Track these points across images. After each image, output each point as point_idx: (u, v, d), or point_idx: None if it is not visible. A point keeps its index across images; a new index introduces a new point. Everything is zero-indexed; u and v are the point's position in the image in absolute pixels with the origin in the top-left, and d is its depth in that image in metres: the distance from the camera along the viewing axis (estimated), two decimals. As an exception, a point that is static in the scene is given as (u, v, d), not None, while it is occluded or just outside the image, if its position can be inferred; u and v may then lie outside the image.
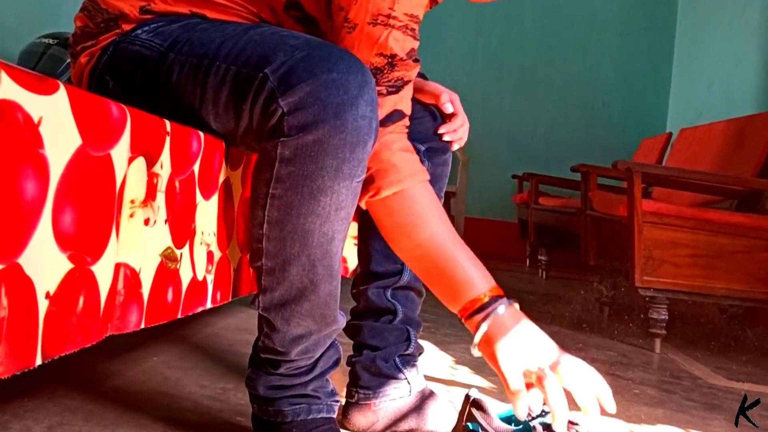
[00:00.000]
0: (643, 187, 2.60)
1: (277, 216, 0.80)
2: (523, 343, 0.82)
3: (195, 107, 0.88)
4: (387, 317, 1.11)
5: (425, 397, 1.11)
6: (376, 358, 1.09)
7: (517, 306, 0.85)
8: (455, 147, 1.13)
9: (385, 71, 0.88)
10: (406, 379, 1.10)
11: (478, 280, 0.85)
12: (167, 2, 0.94)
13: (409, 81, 0.91)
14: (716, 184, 2.57)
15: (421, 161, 1.04)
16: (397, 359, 1.11)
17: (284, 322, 0.86)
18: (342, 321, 0.94)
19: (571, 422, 0.94)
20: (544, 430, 0.88)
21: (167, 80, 0.89)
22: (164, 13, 0.94)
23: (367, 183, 0.87)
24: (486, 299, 0.84)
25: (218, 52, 0.84)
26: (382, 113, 0.88)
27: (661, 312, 2.03)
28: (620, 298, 2.70)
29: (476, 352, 0.84)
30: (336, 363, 0.97)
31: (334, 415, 0.97)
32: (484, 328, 0.82)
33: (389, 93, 0.89)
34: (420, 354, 1.15)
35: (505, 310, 0.82)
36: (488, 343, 0.82)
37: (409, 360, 1.12)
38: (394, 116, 0.90)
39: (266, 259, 0.83)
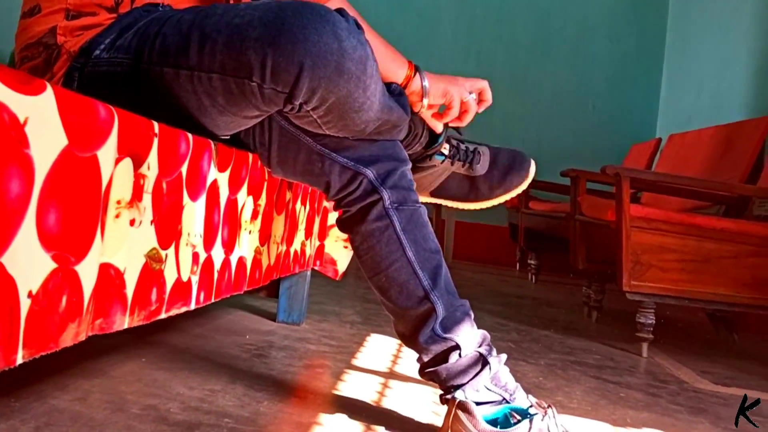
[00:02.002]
0: (632, 192, 2.62)
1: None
2: (444, 80, 1.19)
3: (187, 113, 0.90)
4: (453, 354, 1.07)
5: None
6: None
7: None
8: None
9: None
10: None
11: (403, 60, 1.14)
12: None
13: None
14: (704, 190, 2.59)
15: (375, 189, 1.10)
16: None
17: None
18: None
19: (539, 404, 0.97)
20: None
21: (150, 91, 0.90)
22: (86, 12, 0.94)
23: None
24: (411, 73, 1.15)
25: (189, 60, 0.86)
26: None
27: (649, 316, 2.04)
28: (608, 303, 2.72)
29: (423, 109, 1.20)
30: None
31: None
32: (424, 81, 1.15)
33: None
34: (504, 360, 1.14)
35: (425, 75, 1.16)
36: (435, 87, 1.18)
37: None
38: None
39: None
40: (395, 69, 1.13)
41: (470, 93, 1.23)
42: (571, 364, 1.79)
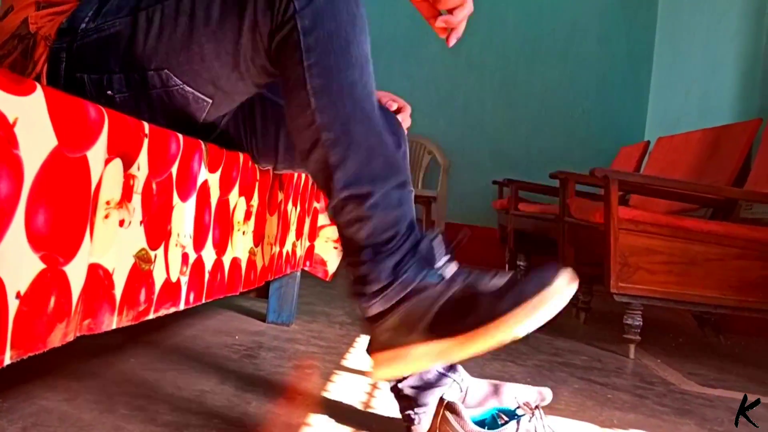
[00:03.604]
0: (621, 194, 2.64)
1: (320, 82, 0.85)
2: None
3: (187, 43, 0.90)
4: None
5: (495, 387, 1.12)
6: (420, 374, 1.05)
7: None
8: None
9: None
10: (452, 378, 1.08)
11: None
12: None
13: None
14: (691, 193, 2.61)
15: None
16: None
17: (371, 184, 0.87)
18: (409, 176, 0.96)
19: (527, 405, 0.97)
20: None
21: (148, 32, 0.91)
22: (55, 2, 0.95)
23: None
24: None
25: None
26: None
27: (636, 318, 2.06)
28: (596, 304, 2.73)
29: None
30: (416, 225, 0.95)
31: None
32: None
33: None
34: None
35: None
36: None
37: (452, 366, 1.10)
38: None
39: (326, 132, 0.86)
40: None
41: None
42: (559, 366, 1.80)
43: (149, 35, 0.91)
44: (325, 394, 1.27)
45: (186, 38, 0.90)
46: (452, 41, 1.07)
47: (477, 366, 1.65)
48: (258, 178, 1.18)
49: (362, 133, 0.86)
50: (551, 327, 2.40)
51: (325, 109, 0.86)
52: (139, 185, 0.77)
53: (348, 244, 0.90)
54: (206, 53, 0.91)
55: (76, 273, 0.65)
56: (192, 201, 0.91)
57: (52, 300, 0.62)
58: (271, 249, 1.32)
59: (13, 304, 0.57)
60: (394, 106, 1.22)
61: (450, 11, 1.04)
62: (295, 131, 0.89)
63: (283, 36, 0.87)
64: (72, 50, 0.93)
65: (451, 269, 0.89)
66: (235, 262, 1.12)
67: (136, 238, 0.78)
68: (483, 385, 1.11)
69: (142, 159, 0.77)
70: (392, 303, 0.86)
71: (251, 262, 1.20)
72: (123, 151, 0.73)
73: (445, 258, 0.90)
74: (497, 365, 1.70)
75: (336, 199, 0.87)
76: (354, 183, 0.86)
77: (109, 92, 0.93)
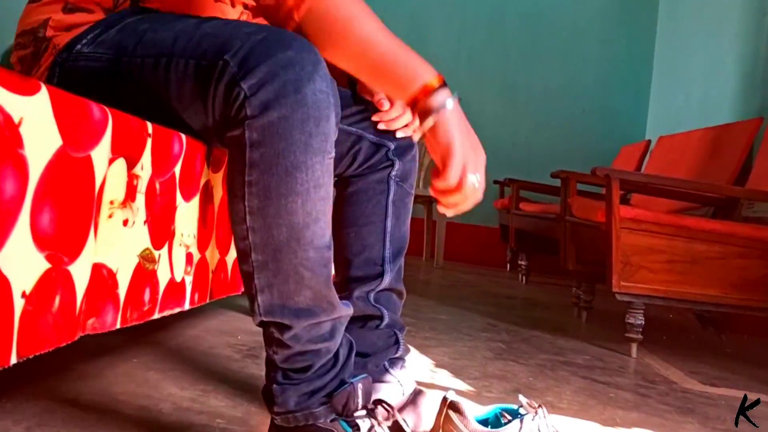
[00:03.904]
0: (622, 193, 2.64)
1: (258, 203, 0.79)
2: (469, 140, 0.89)
3: (161, 106, 0.88)
4: (373, 322, 1.12)
5: (417, 395, 1.12)
6: (367, 365, 1.09)
7: (458, 98, 0.90)
8: (399, 134, 1.14)
9: None
10: (398, 381, 1.11)
11: (422, 70, 0.88)
12: None
13: None
14: (693, 191, 2.61)
15: (390, 159, 1.14)
16: (387, 363, 1.12)
17: (294, 317, 0.83)
18: (350, 308, 0.92)
19: (530, 404, 0.98)
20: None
21: (126, 84, 0.89)
22: (84, 8, 0.94)
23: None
24: (436, 84, 0.87)
25: (174, 48, 0.85)
26: None
27: (638, 317, 2.06)
28: (598, 303, 2.73)
29: (427, 127, 0.88)
30: (352, 348, 0.94)
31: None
32: (439, 108, 0.87)
33: None
34: (407, 354, 1.16)
35: (453, 104, 0.88)
36: (442, 130, 0.87)
37: (398, 362, 1.13)
38: None
39: (255, 253, 0.81)
40: (412, 68, 0.88)
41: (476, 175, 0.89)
42: (561, 365, 1.80)
43: (127, 87, 0.89)
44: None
45: (161, 102, 0.88)
46: (448, 212, 0.94)
47: (479, 365, 1.65)
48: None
49: (292, 264, 0.81)
50: (553, 326, 2.41)
51: (258, 231, 0.81)
52: (142, 185, 0.77)
53: (267, 353, 0.89)
54: (179, 119, 0.89)
55: (80, 272, 0.65)
56: (195, 201, 0.91)
57: (57, 299, 0.62)
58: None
59: (18, 304, 0.57)
60: (385, 105, 1.12)
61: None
62: (233, 232, 0.85)
63: (232, 136, 0.80)
64: (65, 68, 0.92)
65: (366, 426, 0.88)
66: (237, 261, 1.12)
67: (140, 237, 0.78)
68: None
69: (146, 159, 0.77)
70: (293, 427, 0.87)
71: (254, 262, 1.20)
72: (127, 151, 0.73)
73: (362, 412, 0.89)
74: (499, 364, 1.70)
75: (257, 318, 0.85)
76: (276, 312, 0.83)
77: None
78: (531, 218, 3.51)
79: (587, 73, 4.80)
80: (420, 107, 0.87)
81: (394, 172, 1.14)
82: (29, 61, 0.95)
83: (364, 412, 0.89)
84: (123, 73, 0.88)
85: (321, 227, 0.83)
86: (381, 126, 1.13)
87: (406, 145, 1.16)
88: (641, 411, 1.43)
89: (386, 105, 1.11)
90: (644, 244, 2.05)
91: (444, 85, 0.88)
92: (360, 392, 0.89)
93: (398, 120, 1.13)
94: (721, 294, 2.08)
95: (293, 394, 0.86)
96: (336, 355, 0.89)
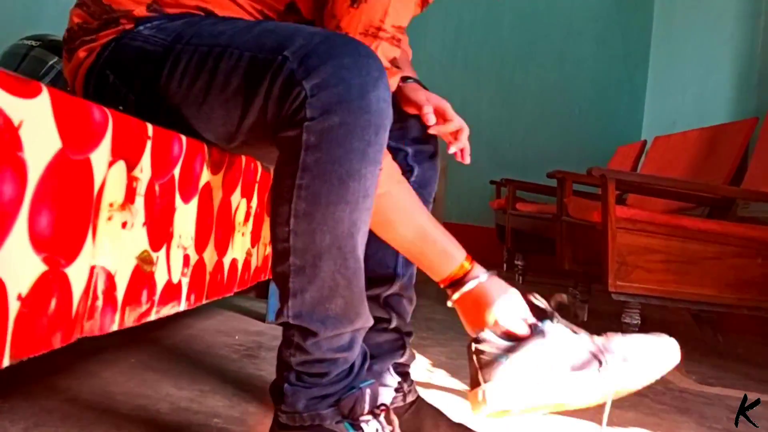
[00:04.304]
0: (618, 193, 2.64)
1: (305, 208, 0.78)
2: (516, 301, 0.97)
3: (199, 100, 0.86)
4: (381, 324, 1.09)
5: (419, 406, 1.11)
6: (372, 366, 1.06)
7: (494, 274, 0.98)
8: (467, 160, 1.15)
9: None
10: (402, 389, 1.09)
11: (457, 252, 0.98)
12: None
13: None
14: (689, 191, 2.61)
15: (410, 165, 1.10)
16: (392, 368, 1.10)
17: (321, 324, 0.82)
18: (371, 320, 0.91)
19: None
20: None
21: (173, 71, 0.87)
22: (169, 14, 0.93)
23: None
24: (468, 267, 0.98)
25: (231, 40, 0.83)
26: None
27: (634, 316, 2.06)
28: (594, 303, 2.74)
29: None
30: (366, 357, 0.94)
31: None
32: (471, 285, 0.96)
33: None
34: (412, 361, 1.14)
35: (488, 277, 0.97)
36: (482, 303, 0.95)
37: (403, 368, 1.12)
38: None
39: (294, 257, 0.80)
40: (443, 251, 0.99)
41: None
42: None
43: (173, 74, 0.87)
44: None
45: (201, 95, 0.86)
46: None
47: (476, 365, 1.65)
48: (258, 179, 1.19)
49: (330, 272, 0.81)
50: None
51: (301, 235, 0.79)
52: (142, 187, 0.77)
53: (280, 353, 0.88)
54: (214, 116, 0.87)
55: (78, 275, 0.65)
56: (194, 203, 0.91)
57: (53, 302, 0.62)
58: (265, 249, 1.33)
59: (14, 306, 0.57)
60: (431, 120, 1.08)
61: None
62: (271, 233, 0.84)
63: (287, 137, 0.78)
64: (120, 44, 0.90)
65: (372, 427, 0.88)
66: (234, 263, 1.12)
67: (138, 239, 0.78)
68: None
69: (145, 161, 0.77)
70: (298, 426, 0.87)
71: (247, 263, 1.20)
72: (127, 154, 0.73)
73: (368, 417, 0.88)
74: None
75: (284, 319, 0.84)
76: (305, 317, 0.83)
77: (120, 107, 0.92)
78: (527, 218, 3.51)
79: (583, 73, 4.81)
80: (454, 288, 0.98)
81: (413, 178, 1.11)
82: (89, 30, 0.93)
83: (370, 417, 0.89)
84: (172, 60, 0.87)
85: (362, 237, 0.83)
86: (452, 149, 1.14)
87: (427, 151, 1.13)
88: (638, 410, 1.44)
89: (432, 119, 1.09)
90: (640, 244, 2.05)
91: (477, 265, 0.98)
92: (367, 397, 0.89)
93: (461, 136, 1.14)
94: (716, 293, 2.09)
95: (304, 396, 0.85)
96: (352, 365, 0.89)
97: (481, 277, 0.97)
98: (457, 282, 0.97)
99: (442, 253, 0.98)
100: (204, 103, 0.86)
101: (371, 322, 0.91)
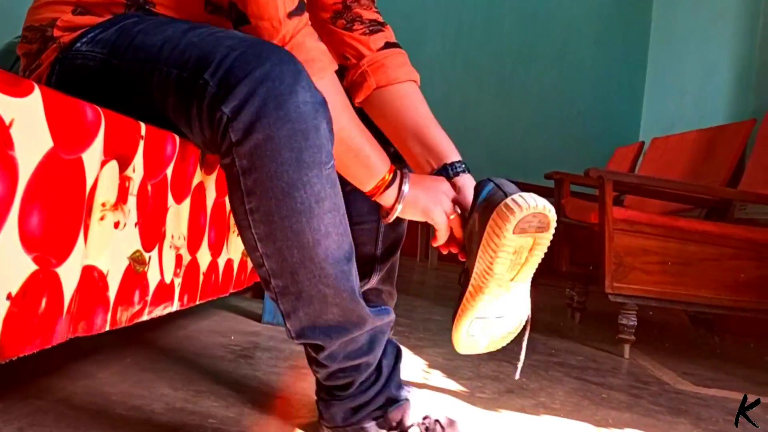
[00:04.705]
0: (616, 195, 2.64)
1: (264, 229, 0.78)
2: (428, 194, 0.97)
3: (151, 113, 0.87)
4: None
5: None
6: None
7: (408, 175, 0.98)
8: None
9: None
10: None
11: (380, 164, 0.94)
12: None
13: None
14: (686, 193, 2.62)
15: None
16: None
17: (325, 337, 0.82)
18: (390, 315, 0.91)
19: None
20: None
21: (115, 88, 0.88)
22: (94, 12, 0.93)
23: None
24: (388, 178, 0.95)
25: (159, 55, 0.84)
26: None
27: (631, 318, 2.06)
28: (591, 304, 2.74)
29: (395, 215, 0.97)
30: (398, 357, 0.92)
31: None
32: (400, 197, 0.95)
33: None
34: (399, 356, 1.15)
35: (407, 184, 0.96)
36: (410, 210, 0.96)
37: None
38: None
39: (275, 279, 0.81)
40: (368, 168, 0.95)
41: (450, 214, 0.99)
42: (554, 365, 1.81)
43: (117, 91, 0.88)
44: (321, 395, 1.27)
45: (150, 109, 0.86)
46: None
47: (473, 366, 1.65)
48: (253, 179, 1.19)
49: (312, 284, 0.80)
50: (547, 327, 2.42)
51: (272, 256, 0.79)
52: (134, 187, 0.77)
53: (310, 366, 0.89)
54: (176, 127, 0.87)
55: (69, 274, 0.65)
56: (187, 203, 0.91)
57: (44, 301, 0.62)
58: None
59: (3, 305, 0.57)
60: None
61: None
62: (251, 260, 0.84)
63: (225, 164, 0.79)
64: (63, 66, 0.91)
65: None
66: (229, 263, 1.12)
67: (131, 239, 0.78)
68: None
69: (138, 161, 0.77)
70: None
71: (243, 263, 1.20)
72: (119, 153, 0.73)
73: (415, 429, 0.88)
74: (493, 365, 1.70)
75: (294, 341, 0.85)
76: (307, 334, 0.82)
77: None
78: (525, 219, 3.50)
79: (582, 74, 4.81)
80: (382, 200, 0.96)
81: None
82: (33, 56, 0.94)
83: (417, 429, 0.89)
84: (114, 75, 0.88)
85: (334, 240, 0.81)
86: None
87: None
88: (634, 412, 1.44)
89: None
90: (637, 246, 2.05)
91: (395, 175, 0.95)
92: (412, 407, 0.90)
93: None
94: (713, 295, 2.09)
95: (339, 410, 0.86)
96: (379, 367, 0.87)
97: (403, 189, 0.95)
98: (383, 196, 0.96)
99: (367, 165, 0.94)
100: (157, 116, 0.86)
101: (389, 318, 0.90)
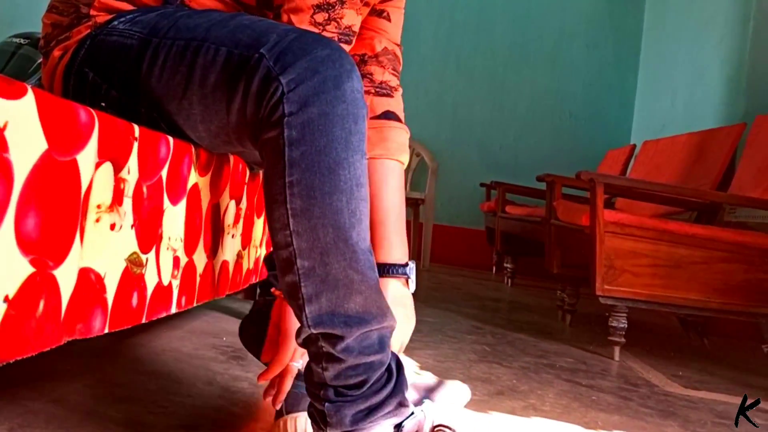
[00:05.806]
0: (607, 197, 2.66)
1: (301, 204, 0.76)
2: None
3: (178, 95, 0.86)
4: None
5: None
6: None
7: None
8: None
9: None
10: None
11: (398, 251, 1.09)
12: None
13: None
14: (677, 196, 2.63)
15: None
16: None
17: (345, 326, 0.78)
18: (394, 316, 0.87)
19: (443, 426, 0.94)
20: None
21: (151, 66, 0.87)
22: (142, 8, 0.94)
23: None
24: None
25: (207, 34, 0.84)
26: None
27: (621, 320, 2.07)
28: (582, 306, 2.75)
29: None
30: (400, 363, 0.90)
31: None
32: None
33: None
34: None
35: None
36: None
37: None
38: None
39: (301, 259, 0.77)
40: (396, 245, 1.12)
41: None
42: (545, 367, 1.82)
43: (152, 68, 0.87)
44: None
45: (180, 90, 0.85)
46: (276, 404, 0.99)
47: (464, 368, 1.66)
48: (247, 181, 1.19)
49: (341, 267, 0.77)
50: (537, 329, 2.43)
51: (303, 234, 0.76)
52: (129, 189, 0.77)
53: (311, 374, 0.83)
54: (193, 113, 0.87)
55: (66, 277, 0.65)
56: (182, 204, 0.91)
57: (41, 304, 0.62)
58: (256, 251, 1.33)
59: (0, 308, 0.57)
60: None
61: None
62: (273, 244, 0.81)
63: (268, 138, 0.78)
64: (95, 41, 0.91)
65: None
66: (225, 265, 1.12)
67: (127, 241, 0.78)
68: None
69: (133, 162, 0.77)
70: None
71: (238, 265, 1.20)
72: (113, 155, 0.73)
73: None
74: (483, 367, 1.71)
75: (306, 332, 0.80)
76: (327, 322, 0.78)
77: (102, 104, 0.92)
78: (517, 221, 3.53)
79: (574, 77, 4.83)
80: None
81: None
82: (62, 29, 0.94)
83: None
84: (150, 53, 0.87)
85: (364, 229, 0.80)
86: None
87: None
88: (623, 414, 1.45)
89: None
90: (628, 248, 2.06)
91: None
92: (427, 418, 0.88)
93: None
94: (703, 298, 2.11)
95: (349, 411, 0.80)
96: (389, 368, 0.85)
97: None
98: None
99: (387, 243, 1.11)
100: (183, 98, 0.86)
101: (396, 321, 0.86)
